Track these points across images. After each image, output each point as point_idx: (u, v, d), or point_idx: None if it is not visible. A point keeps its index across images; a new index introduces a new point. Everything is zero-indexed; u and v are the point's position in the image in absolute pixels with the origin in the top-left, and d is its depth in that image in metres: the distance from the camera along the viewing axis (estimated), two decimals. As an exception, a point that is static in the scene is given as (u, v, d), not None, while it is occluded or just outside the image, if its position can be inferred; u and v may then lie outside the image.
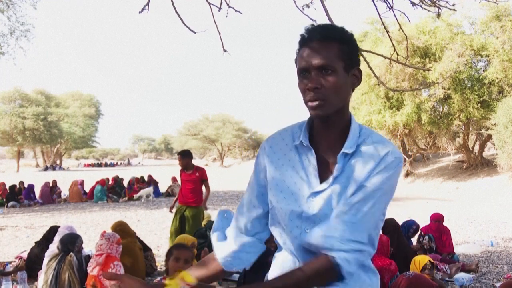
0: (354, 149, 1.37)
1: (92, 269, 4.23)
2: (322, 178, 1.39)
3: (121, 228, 5.27)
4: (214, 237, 1.56)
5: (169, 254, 3.27)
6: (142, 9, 3.26)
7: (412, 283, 3.68)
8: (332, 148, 1.41)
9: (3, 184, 14.77)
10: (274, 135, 1.52)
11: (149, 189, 15.53)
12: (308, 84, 1.35)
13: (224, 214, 1.59)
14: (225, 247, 1.52)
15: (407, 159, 23.77)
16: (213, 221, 1.61)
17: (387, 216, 5.49)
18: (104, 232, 4.60)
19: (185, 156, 6.27)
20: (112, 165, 62.93)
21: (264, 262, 1.80)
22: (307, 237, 1.35)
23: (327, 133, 1.41)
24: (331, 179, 1.37)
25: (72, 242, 4.49)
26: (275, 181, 1.44)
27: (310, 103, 1.36)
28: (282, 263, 1.49)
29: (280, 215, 1.43)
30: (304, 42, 1.39)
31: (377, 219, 1.35)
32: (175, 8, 3.35)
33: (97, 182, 15.84)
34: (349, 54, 1.37)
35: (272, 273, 1.50)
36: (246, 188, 1.56)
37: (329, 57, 1.34)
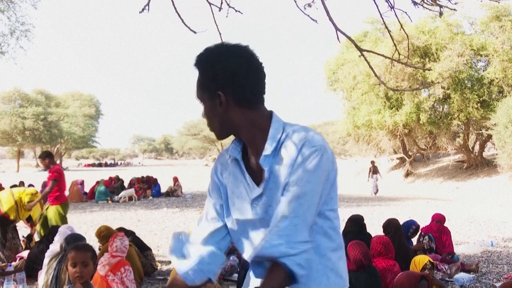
0: (273, 149, 1.40)
1: (102, 268, 4.23)
2: (259, 184, 1.44)
3: (106, 234, 5.14)
4: (173, 257, 1.58)
5: (66, 260, 2.88)
6: (143, 9, 3.26)
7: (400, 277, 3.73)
8: (255, 156, 1.46)
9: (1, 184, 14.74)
10: (222, 152, 1.60)
11: (131, 191, 15.47)
12: None
13: (179, 236, 1.60)
14: (184, 263, 1.54)
15: (407, 159, 23.78)
16: None
17: (388, 217, 5.41)
18: (117, 234, 4.61)
19: (46, 156, 6.59)
20: (112, 165, 62.91)
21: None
22: (256, 250, 1.37)
23: (249, 144, 1.47)
24: (263, 183, 1.41)
25: (77, 241, 4.48)
26: (228, 195, 1.51)
27: None
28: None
29: (238, 227, 1.49)
30: None
31: (313, 213, 1.35)
32: (175, 8, 3.35)
33: (97, 182, 15.84)
34: (204, 83, 1.44)
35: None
36: (206, 201, 1.62)
37: (197, 90, 1.47)
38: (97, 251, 4.44)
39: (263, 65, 1.44)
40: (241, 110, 1.42)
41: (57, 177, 6.55)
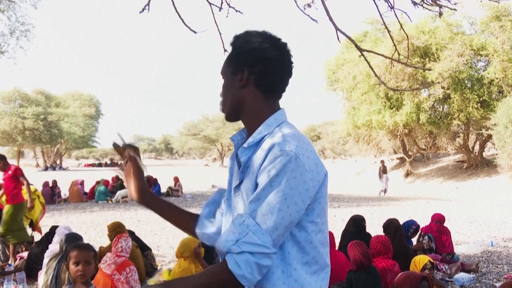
0: (254, 143, 1.41)
1: (107, 266, 4.23)
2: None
3: (120, 230, 5.28)
4: (205, 210, 1.66)
5: (67, 258, 2.87)
6: (143, 9, 3.27)
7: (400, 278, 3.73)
8: None
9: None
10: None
11: (125, 191, 15.45)
12: None
13: (223, 192, 1.65)
14: (207, 226, 1.63)
15: (407, 159, 23.78)
16: None
17: (388, 217, 5.42)
18: (121, 235, 4.63)
19: (0, 160, 6.41)
20: (112, 165, 62.87)
21: None
22: (216, 242, 1.38)
23: (248, 131, 1.50)
24: (240, 174, 1.43)
25: (76, 241, 4.49)
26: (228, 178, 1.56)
27: None
28: None
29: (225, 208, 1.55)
30: None
31: (276, 218, 1.28)
32: (175, 8, 3.35)
33: (97, 182, 15.83)
34: (233, 58, 1.49)
35: None
36: None
37: (224, 66, 1.52)
38: (114, 252, 4.44)
39: (293, 66, 1.50)
40: (256, 93, 1.45)
41: (22, 172, 6.36)
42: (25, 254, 5.71)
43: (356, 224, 5.36)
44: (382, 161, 18.62)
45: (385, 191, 17.47)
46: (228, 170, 1.55)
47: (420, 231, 6.01)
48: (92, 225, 9.67)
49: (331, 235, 4.67)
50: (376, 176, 19.12)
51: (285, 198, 1.28)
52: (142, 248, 5.59)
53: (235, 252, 1.27)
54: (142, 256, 5.41)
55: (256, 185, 1.34)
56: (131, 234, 5.74)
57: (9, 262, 5.42)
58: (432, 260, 4.30)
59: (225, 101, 1.51)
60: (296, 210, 1.30)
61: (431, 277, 3.97)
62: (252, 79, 1.44)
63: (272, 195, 1.29)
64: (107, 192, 15.19)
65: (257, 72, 1.44)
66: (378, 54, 4.08)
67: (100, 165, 61.60)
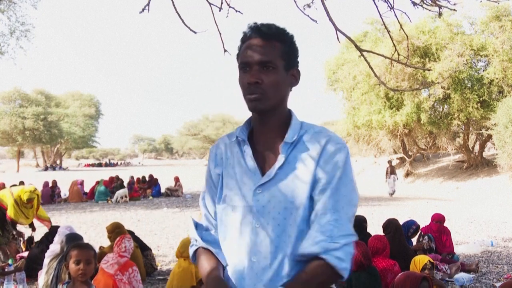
0: (295, 139, 1.41)
1: (110, 266, 4.22)
2: (264, 170, 1.43)
3: (119, 231, 5.28)
4: (213, 248, 1.51)
5: (67, 257, 2.88)
6: (143, 9, 3.26)
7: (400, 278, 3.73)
8: (271, 142, 1.45)
9: (3, 184, 14.75)
10: (223, 137, 1.58)
11: (124, 191, 15.43)
12: (250, 78, 1.40)
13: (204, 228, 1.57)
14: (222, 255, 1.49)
15: (407, 159, 23.77)
16: None
17: (388, 217, 5.42)
18: (124, 236, 4.64)
19: None
20: (112, 165, 62.89)
21: None
22: (299, 249, 1.35)
23: (264, 128, 1.46)
24: (274, 170, 1.40)
25: (77, 241, 4.49)
26: (225, 180, 1.48)
27: (249, 96, 1.40)
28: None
29: (233, 213, 1.44)
30: (247, 38, 1.44)
31: (351, 207, 1.38)
32: (175, 8, 3.35)
33: (97, 182, 15.82)
34: (289, 54, 1.44)
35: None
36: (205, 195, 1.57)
37: (271, 54, 1.40)
38: (117, 252, 4.44)
39: None
40: (289, 92, 1.49)
41: None
42: (25, 254, 5.71)
43: (357, 224, 5.36)
44: (390, 161, 18.33)
45: (393, 192, 17.22)
46: (224, 161, 1.49)
47: (420, 231, 6.01)
48: (92, 225, 9.67)
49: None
50: (376, 176, 18.92)
51: (354, 186, 1.40)
52: (142, 248, 5.59)
53: (334, 248, 1.31)
54: (142, 256, 5.41)
55: (313, 176, 1.37)
56: (131, 234, 5.75)
57: (9, 262, 5.42)
58: (432, 260, 4.30)
59: (271, 94, 1.41)
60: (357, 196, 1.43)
61: (431, 277, 3.97)
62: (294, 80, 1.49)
63: (347, 186, 1.38)
64: (107, 192, 15.19)
65: (297, 74, 1.49)
66: (378, 54, 4.08)
67: (100, 165, 61.61)
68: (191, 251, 1.55)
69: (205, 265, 1.45)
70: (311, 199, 1.38)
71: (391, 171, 17.53)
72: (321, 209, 1.35)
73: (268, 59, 1.39)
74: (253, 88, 1.39)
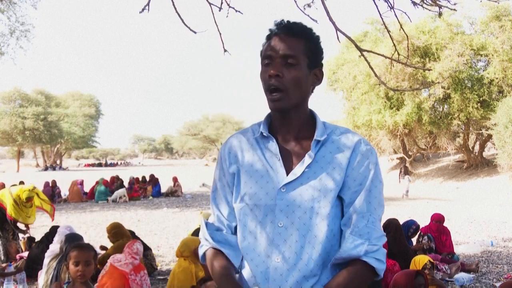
0: (325, 137, 1.41)
1: (124, 265, 4.21)
2: (287, 168, 1.40)
3: (117, 231, 5.30)
4: (225, 249, 1.49)
5: (67, 258, 2.86)
6: (143, 9, 3.26)
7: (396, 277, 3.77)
8: (293, 140, 1.43)
9: (3, 184, 14.76)
10: (235, 135, 1.54)
11: (122, 190, 15.42)
12: (271, 70, 1.37)
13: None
14: (236, 255, 1.48)
15: (407, 159, 23.78)
16: None
17: (388, 217, 5.41)
18: (136, 240, 4.67)
19: None
20: (112, 165, 62.91)
21: None
22: (339, 253, 1.36)
23: (285, 127, 1.44)
24: (301, 168, 1.38)
25: (76, 241, 4.49)
26: (243, 178, 1.44)
27: (270, 95, 1.38)
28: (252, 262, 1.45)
29: (253, 212, 1.41)
30: (272, 35, 1.42)
31: (382, 208, 1.42)
32: (175, 8, 3.35)
33: (97, 182, 15.82)
34: (313, 52, 1.42)
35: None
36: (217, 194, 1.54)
37: (295, 49, 1.37)
38: (128, 253, 4.44)
39: None
40: (311, 92, 1.48)
41: None
42: (25, 254, 5.71)
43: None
44: (403, 162, 18.09)
45: (406, 192, 16.86)
46: (241, 159, 1.46)
47: (420, 231, 6.01)
48: (92, 225, 9.67)
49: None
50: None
51: (382, 188, 1.43)
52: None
53: (374, 250, 1.35)
54: (142, 256, 5.40)
55: (344, 176, 1.38)
56: (131, 234, 5.75)
57: (9, 263, 5.42)
58: (432, 260, 4.31)
59: (293, 91, 1.38)
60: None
61: (427, 273, 3.98)
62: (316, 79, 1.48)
63: (378, 188, 1.40)
64: (107, 192, 15.18)
65: (319, 74, 1.48)
66: (378, 54, 4.07)
67: (100, 165, 61.60)
68: (201, 251, 1.53)
69: (217, 266, 1.43)
70: (339, 199, 1.39)
71: (405, 171, 17.33)
72: (356, 211, 1.37)
73: (291, 53, 1.37)
74: (274, 81, 1.36)
